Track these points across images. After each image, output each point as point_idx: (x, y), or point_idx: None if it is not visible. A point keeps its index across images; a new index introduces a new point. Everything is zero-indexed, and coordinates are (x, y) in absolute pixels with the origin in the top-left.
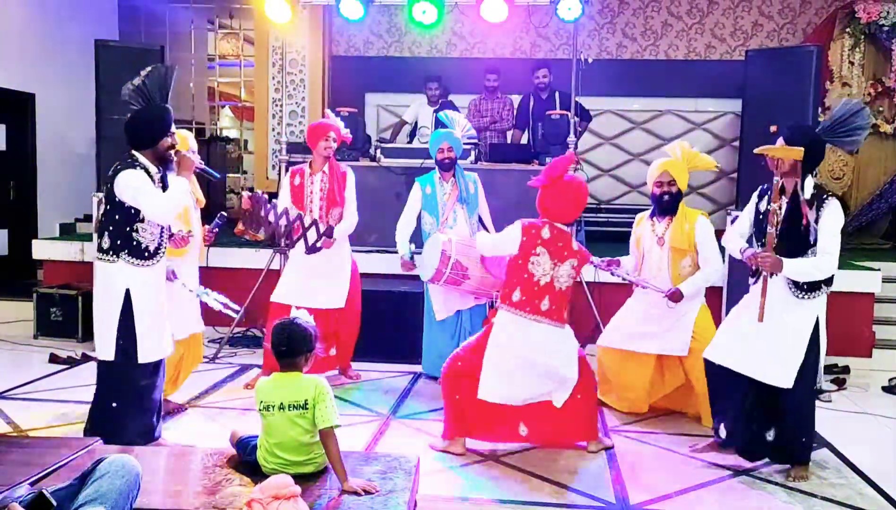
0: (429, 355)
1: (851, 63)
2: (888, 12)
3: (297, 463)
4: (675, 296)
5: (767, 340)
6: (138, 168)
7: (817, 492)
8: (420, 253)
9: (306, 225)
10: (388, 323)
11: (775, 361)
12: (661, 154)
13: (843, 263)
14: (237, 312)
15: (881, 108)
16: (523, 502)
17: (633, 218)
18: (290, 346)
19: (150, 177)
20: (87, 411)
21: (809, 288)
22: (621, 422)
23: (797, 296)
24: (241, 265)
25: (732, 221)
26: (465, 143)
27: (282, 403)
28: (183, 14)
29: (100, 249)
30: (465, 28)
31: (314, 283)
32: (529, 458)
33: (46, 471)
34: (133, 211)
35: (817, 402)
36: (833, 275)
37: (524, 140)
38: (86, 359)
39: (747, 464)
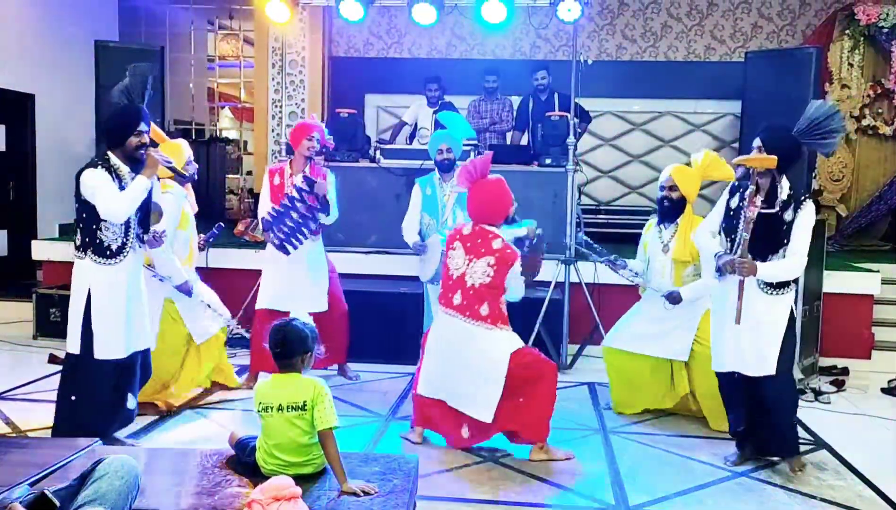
0: None
1: (851, 65)
2: (888, 14)
3: (296, 464)
4: (674, 299)
5: (746, 336)
6: (100, 167)
7: (816, 493)
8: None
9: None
10: (387, 324)
11: (755, 354)
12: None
13: (842, 265)
14: (228, 321)
15: (880, 110)
16: (522, 503)
17: (633, 219)
18: (286, 348)
19: (119, 176)
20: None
21: (779, 285)
22: (621, 423)
23: (769, 294)
24: (240, 266)
25: None
26: (464, 145)
27: (280, 404)
28: (183, 15)
29: (74, 246)
30: (464, 29)
31: (296, 288)
32: (529, 460)
33: (45, 472)
34: (96, 210)
35: (817, 404)
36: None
37: (524, 141)
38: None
39: (747, 466)
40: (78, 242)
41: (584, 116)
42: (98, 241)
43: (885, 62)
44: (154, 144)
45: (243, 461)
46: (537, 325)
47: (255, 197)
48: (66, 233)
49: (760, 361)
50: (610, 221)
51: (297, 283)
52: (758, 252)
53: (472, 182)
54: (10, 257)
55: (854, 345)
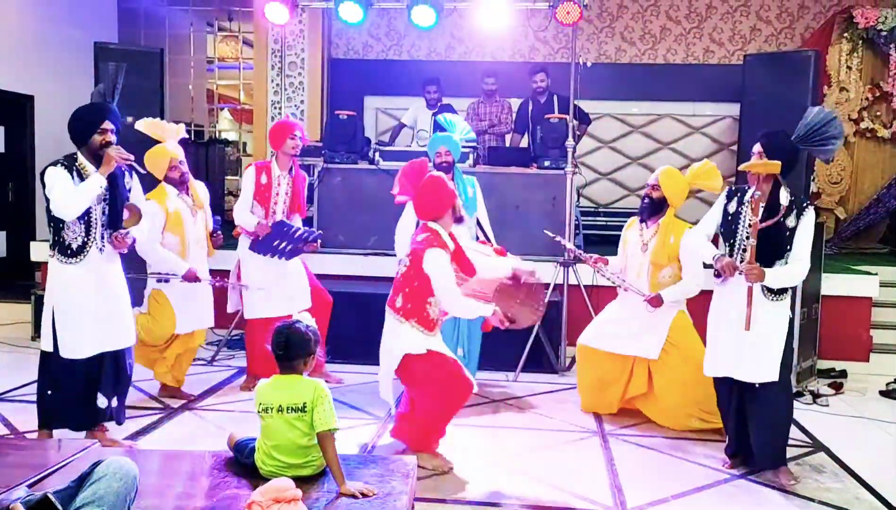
0: None
1: (849, 68)
2: (886, 17)
3: (294, 465)
4: (655, 302)
5: (747, 342)
6: (60, 165)
7: (814, 496)
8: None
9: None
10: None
11: (756, 361)
12: (661, 159)
13: (841, 268)
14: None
15: (878, 113)
16: (521, 505)
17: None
18: (289, 351)
19: (83, 176)
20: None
21: (780, 291)
22: (619, 426)
23: (769, 299)
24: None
25: None
26: (463, 147)
27: (280, 406)
28: (182, 17)
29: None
30: (463, 31)
31: (288, 290)
32: (527, 461)
33: (44, 474)
34: None
35: (815, 406)
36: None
37: (523, 144)
38: None
39: (744, 468)
40: (49, 241)
41: (584, 118)
42: (61, 239)
43: (884, 65)
44: (154, 142)
45: (242, 462)
46: (535, 328)
47: None
48: None
49: (760, 367)
50: (609, 224)
51: (288, 285)
52: (761, 258)
53: (413, 187)
54: (9, 258)
55: (852, 348)
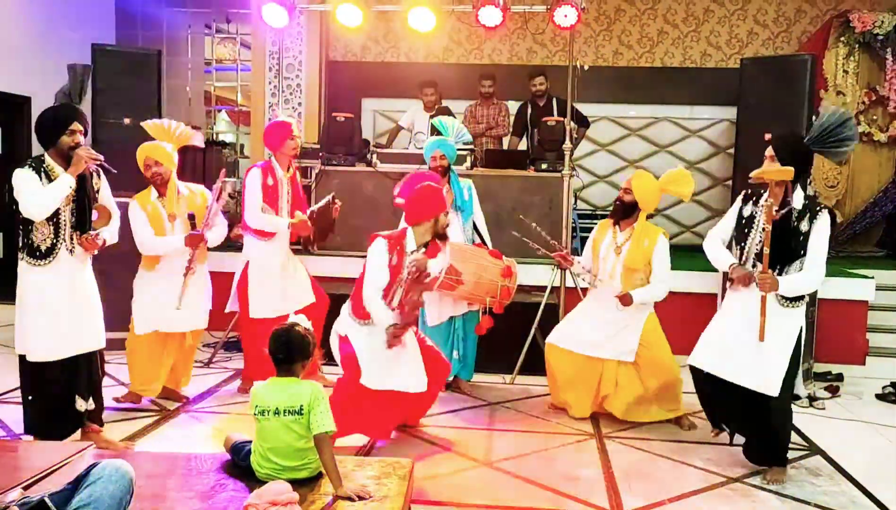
0: None
1: (846, 71)
2: (882, 21)
3: (291, 468)
4: (625, 300)
5: (755, 349)
6: (28, 167)
7: (810, 499)
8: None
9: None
10: None
11: (762, 370)
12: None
13: (837, 271)
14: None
15: (875, 117)
16: (518, 508)
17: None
18: (289, 354)
19: (51, 177)
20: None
21: (794, 298)
22: (615, 429)
23: (783, 306)
24: (235, 269)
25: None
26: (460, 149)
27: (277, 408)
28: (180, 18)
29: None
30: (461, 34)
31: (289, 289)
32: (524, 464)
33: (39, 476)
34: None
35: (811, 409)
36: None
37: (522, 146)
38: None
39: (741, 471)
40: (19, 244)
41: (583, 122)
42: (30, 241)
43: (880, 69)
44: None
45: (238, 465)
46: (533, 329)
47: None
48: None
49: (764, 379)
50: None
51: (289, 285)
52: (773, 263)
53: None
54: (6, 260)
55: (849, 351)
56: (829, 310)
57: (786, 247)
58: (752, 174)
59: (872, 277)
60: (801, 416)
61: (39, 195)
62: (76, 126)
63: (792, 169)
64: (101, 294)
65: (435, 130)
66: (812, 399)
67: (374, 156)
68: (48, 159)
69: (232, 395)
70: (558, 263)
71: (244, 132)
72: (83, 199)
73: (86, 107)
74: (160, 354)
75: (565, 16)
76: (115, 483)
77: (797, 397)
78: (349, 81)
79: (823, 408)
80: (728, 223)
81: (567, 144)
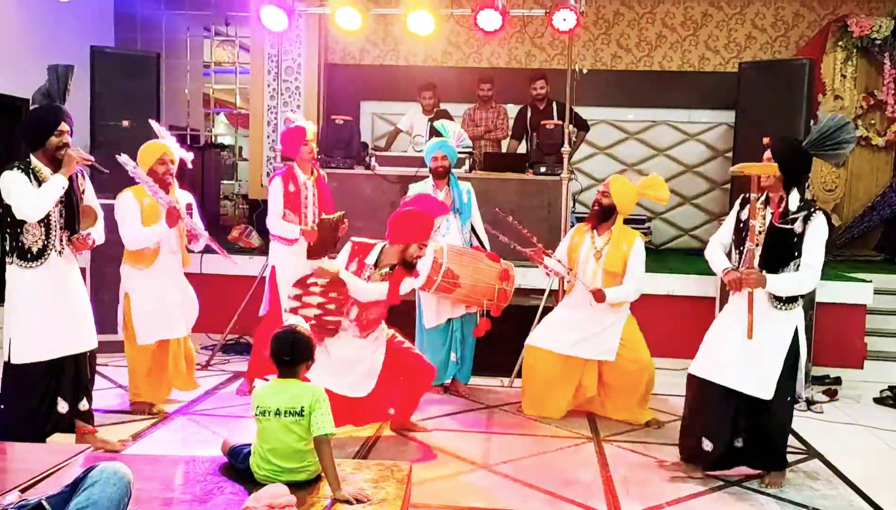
0: None
1: (844, 76)
2: (880, 26)
3: (289, 470)
4: (598, 296)
5: (748, 352)
6: (16, 169)
7: (808, 502)
8: None
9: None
10: None
11: (756, 373)
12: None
13: (835, 275)
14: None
15: (873, 121)
16: None
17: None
18: (294, 355)
19: (39, 179)
20: (79, 418)
21: (788, 300)
22: (613, 432)
23: (777, 308)
24: (234, 272)
25: None
26: (459, 152)
27: (278, 409)
28: (179, 21)
29: (3, 251)
30: (460, 37)
31: None
32: (522, 467)
33: (37, 478)
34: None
35: (809, 413)
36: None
37: (521, 149)
38: None
39: (741, 475)
40: (6, 247)
41: (582, 125)
42: (20, 244)
43: (878, 74)
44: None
45: (236, 468)
46: (531, 332)
47: (251, 203)
48: None
49: (759, 381)
50: None
51: None
52: (769, 265)
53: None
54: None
55: (847, 355)
56: (827, 314)
57: (780, 248)
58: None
59: (870, 281)
60: (800, 420)
61: (33, 196)
62: (64, 126)
63: (775, 165)
64: (97, 296)
65: (434, 133)
66: (810, 403)
67: (373, 159)
68: (35, 161)
69: (230, 398)
70: (529, 258)
71: (243, 135)
72: (70, 199)
73: (84, 109)
74: (164, 361)
75: (564, 20)
76: (113, 486)
77: (796, 401)
78: (348, 84)
79: (822, 412)
80: (727, 228)
81: (566, 148)
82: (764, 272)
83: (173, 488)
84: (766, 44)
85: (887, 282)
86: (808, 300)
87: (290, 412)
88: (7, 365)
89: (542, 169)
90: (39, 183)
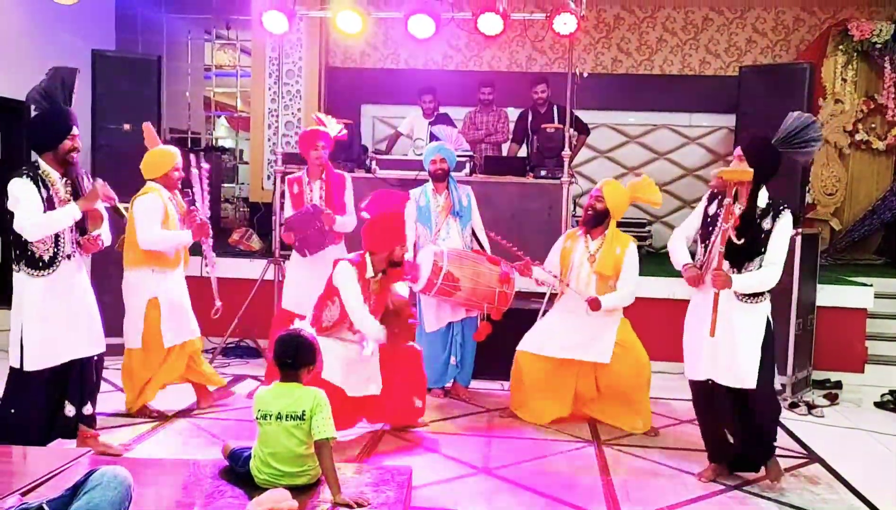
0: None
1: (844, 80)
2: (881, 30)
3: (290, 474)
4: (594, 305)
5: (724, 347)
6: (26, 176)
7: (809, 507)
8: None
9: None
10: None
11: (736, 366)
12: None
13: (836, 279)
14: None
15: (873, 125)
16: None
17: (627, 230)
18: (297, 359)
19: (48, 184)
20: (82, 422)
21: (755, 294)
22: (614, 436)
23: (744, 302)
24: (235, 275)
25: None
26: (459, 156)
27: (279, 413)
28: (180, 24)
29: (11, 259)
30: (460, 41)
31: (313, 292)
32: (523, 471)
33: (37, 482)
34: None
35: (810, 417)
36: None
37: (521, 153)
38: None
39: (739, 480)
40: (13, 255)
41: (583, 129)
42: (29, 252)
43: (878, 77)
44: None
45: (237, 471)
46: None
47: (251, 206)
48: None
49: (739, 373)
50: None
51: (315, 287)
52: (734, 260)
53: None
54: (4, 265)
55: (847, 359)
56: (827, 318)
57: (747, 244)
58: (713, 173)
59: (871, 285)
60: (800, 424)
61: (40, 218)
62: (76, 130)
63: (752, 170)
64: (100, 298)
65: (435, 137)
66: (811, 407)
67: (374, 162)
68: (43, 165)
69: (231, 401)
70: (518, 271)
71: (243, 138)
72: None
73: (85, 112)
74: (182, 363)
75: (565, 23)
76: (114, 489)
77: (794, 405)
78: (348, 87)
79: (822, 416)
80: (694, 221)
81: (566, 151)
82: (731, 271)
83: (174, 492)
84: (767, 48)
85: (888, 286)
86: (809, 304)
87: (291, 416)
88: (15, 370)
89: (543, 172)
90: (48, 187)
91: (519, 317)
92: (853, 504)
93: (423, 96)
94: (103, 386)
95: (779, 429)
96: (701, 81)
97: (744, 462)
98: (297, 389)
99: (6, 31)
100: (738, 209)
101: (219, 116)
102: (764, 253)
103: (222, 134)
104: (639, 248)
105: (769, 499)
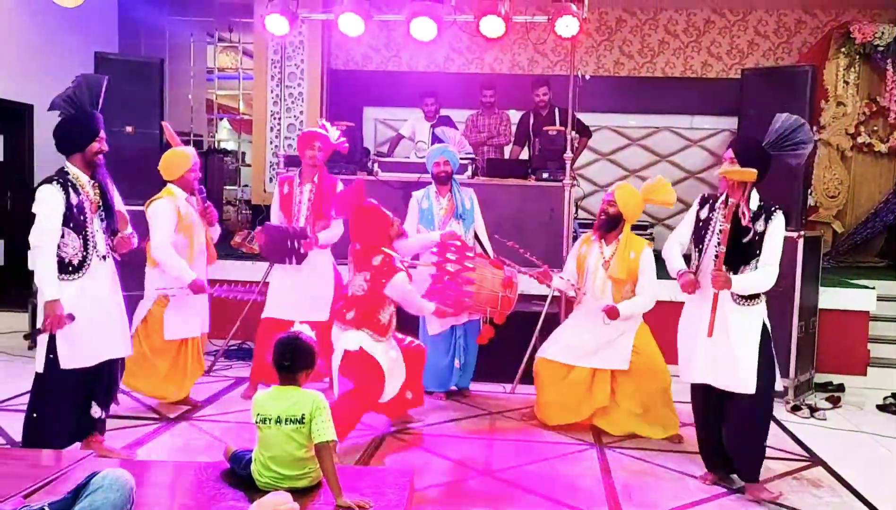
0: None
1: (846, 82)
2: (883, 33)
3: (291, 477)
4: (612, 313)
5: (721, 350)
6: (56, 183)
7: None
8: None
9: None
10: None
11: (734, 370)
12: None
13: (838, 282)
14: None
15: (876, 128)
16: None
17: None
18: (295, 362)
19: (77, 187)
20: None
21: (751, 296)
22: (616, 439)
23: (739, 304)
24: (237, 277)
25: None
26: (462, 159)
27: (279, 417)
28: (183, 27)
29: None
30: (462, 43)
31: (298, 296)
32: (525, 474)
33: (39, 485)
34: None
35: (812, 420)
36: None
37: (523, 156)
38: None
39: (742, 483)
40: None
41: (584, 131)
42: (59, 257)
43: (881, 80)
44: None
45: (238, 474)
46: (534, 339)
47: (253, 208)
48: None
49: (737, 376)
50: None
51: (300, 292)
52: (730, 263)
53: (351, 209)
54: (7, 267)
55: (850, 362)
56: (830, 321)
57: (741, 247)
58: (717, 172)
59: (874, 288)
60: (802, 427)
61: (41, 234)
62: (103, 133)
63: (755, 171)
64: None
65: (437, 140)
66: (813, 409)
67: (376, 164)
68: (71, 169)
69: (233, 403)
70: (537, 279)
71: (246, 140)
72: (108, 205)
73: None
74: (185, 359)
75: (567, 26)
76: (116, 492)
77: (797, 408)
78: (350, 90)
79: (825, 419)
80: (686, 227)
81: (568, 154)
82: (730, 273)
83: (175, 494)
84: (769, 50)
85: (890, 289)
86: (811, 307)
87: (290, 420)
88: (46, 372)
89: (545, 175)
90: (78, 192)
91: (521, 320)
92: (855, 507)
93: (424, 99)
94: None
95: (781, 431)
96: (703, 84)
97: (731, 465)
98: (296, 393)
99: (10, 35)
100: (744, 214)
101: (221, 119)
102: (759, 255)
103: (224, 136)
104: None
105: (772, 503)
